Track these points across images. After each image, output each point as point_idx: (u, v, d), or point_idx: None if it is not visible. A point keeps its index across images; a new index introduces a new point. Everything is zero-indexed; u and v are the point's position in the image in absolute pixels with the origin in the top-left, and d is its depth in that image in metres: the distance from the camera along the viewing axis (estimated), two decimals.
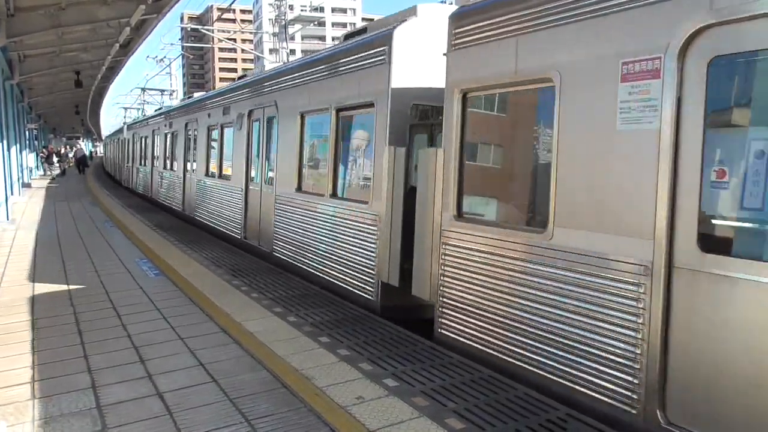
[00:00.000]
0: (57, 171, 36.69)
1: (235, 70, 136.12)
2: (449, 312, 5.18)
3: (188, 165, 14.93)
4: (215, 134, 12.69)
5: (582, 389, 3.90)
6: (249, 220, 10.34)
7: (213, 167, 12.98)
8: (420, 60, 6.26)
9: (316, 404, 4.00)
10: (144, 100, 47.26)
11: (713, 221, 3.33)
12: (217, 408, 3.95)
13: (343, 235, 7.06)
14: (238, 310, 6.34)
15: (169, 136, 17.39)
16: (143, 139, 22.35)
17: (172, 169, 16.94)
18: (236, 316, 6.11)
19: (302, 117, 8.30)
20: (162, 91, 45.43)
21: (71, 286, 7.44)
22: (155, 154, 19.69)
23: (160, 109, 24.48)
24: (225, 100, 11.92)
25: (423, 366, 4.74)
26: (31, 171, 30.80)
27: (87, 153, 49.98)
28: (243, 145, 10.61)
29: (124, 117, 55.53)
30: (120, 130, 32.97)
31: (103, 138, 57.60)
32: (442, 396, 4.15)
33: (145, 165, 21.86)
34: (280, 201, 8.88)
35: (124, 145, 28.97)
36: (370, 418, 3.81)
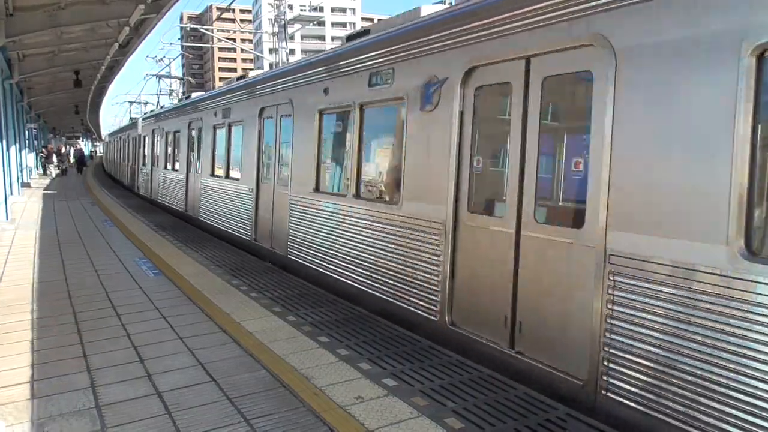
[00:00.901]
0: (57, 171, 36.65)
1: (234, 69, 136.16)
2: None
3: (264, 173, 10.05)
4: (331, 123, 7.90)
5: None
6: (472, 285, 5.18)
7: (329, 177, 8.07)
8: None
9: (315, 404, 4.00)
10: (159, 90, 44.86)
11: None
12: (216, 407, 3.95)
13: None
14: (237, 309, 6.34)
15: (222, 130, 12.17)
16: (170, 136, 17.19)
17: (228, 177, 11.81)
18: (235, 315, 6.11)
19: None
20: (181, 79, 43.21)
21: (71, 286, 7.43)
22: (194, 156, 14.58)
23: (187, 97, 18.10)
24: (374, 61, 6.65)
25: (422, 365, 4.74)
26: (30, 170, 30.79)
27: (86, 153, 50.06)
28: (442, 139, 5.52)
29: (129, 111, 54.81)
30: (131, 126, 27.67)
31: (104, 137, 57.08)
32: (441, 396, 4.16)
33: (175, 170, 16.41)
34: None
35: (137, 143, 23.21)
36: (369, 417, 3.81)
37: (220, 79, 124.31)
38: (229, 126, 11.72)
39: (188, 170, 14.95)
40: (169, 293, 7.08)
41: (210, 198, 12.83)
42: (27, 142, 29.29)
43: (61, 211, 16.20)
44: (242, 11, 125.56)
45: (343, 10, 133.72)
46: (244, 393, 4.18)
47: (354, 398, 4.10)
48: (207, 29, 43.90)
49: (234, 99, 11.53)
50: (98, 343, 5.25)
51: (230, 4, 22.60)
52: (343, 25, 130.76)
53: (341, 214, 7.26)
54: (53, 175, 35.05)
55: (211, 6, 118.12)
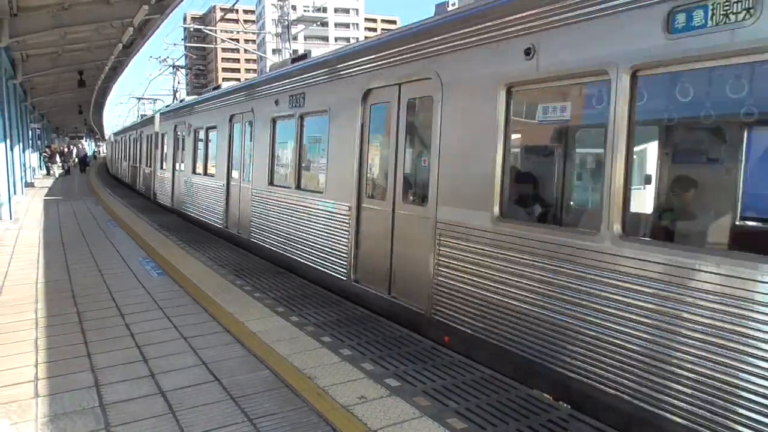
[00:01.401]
0: (61, 170, 36.76)
1: (238, 70, 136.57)
2: None
3: (372, 185, 7.08)
4: (520, 107, 5.04)
5: None
6: None
7: (535, 198, 5.21)
8: None
9: (318, 404, 4.01)
10: (178, 82, 42.13)
11: None
12: (220, 407, 3.97)
13: None
14: (240, 309, 6.35)
15: (289, 124, 9.14)
16: (201, 133, 14.03)
17: (299, 188, 8.75)
18: (239, 315, 6.12)
19: None
20: (202, 70, 42.16)
21: (74, 285, 7.45)
22: (239, 158, 11.28)
23: (216, 88, 14.76)
24: None
25: (425, 366, 4.75)
26: (33, 170, 30.89)
27: (89, 153, 50.23)
28: None
29: (138, 109, 54.28)
30: (144, 122, 24.37)
31: (107, 136, 56.91)
32: (443, 396, 4.16)
33: (210, 175, 13.18)
34: None
35: (153, 142, 20.05)
36: (372, 417, 3.82)
37: (224, 79, 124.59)
38: (302, 118, 8.74)
39: (229, 176, 11.70)
40: (172, 293, 7.10)
41: (268, 215, 9.67)
42: (30, 142, 29.40)
43: (65, 211, 16.24)
44: (245, 12, 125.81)
45: (347, 11, 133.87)
46: (248, 393, 4.19)
47: (357, 398, 4.11)
48: (210, 30, 44.02)
49: (311, 81, 8.37)
50: (102, 343, 5.26)
51: (234, 5, 22.64)
52: (346, 25, 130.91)
53: (591, 266, 4.02)
54: (56, 175, 35.15)
55: (214, 7, 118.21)
